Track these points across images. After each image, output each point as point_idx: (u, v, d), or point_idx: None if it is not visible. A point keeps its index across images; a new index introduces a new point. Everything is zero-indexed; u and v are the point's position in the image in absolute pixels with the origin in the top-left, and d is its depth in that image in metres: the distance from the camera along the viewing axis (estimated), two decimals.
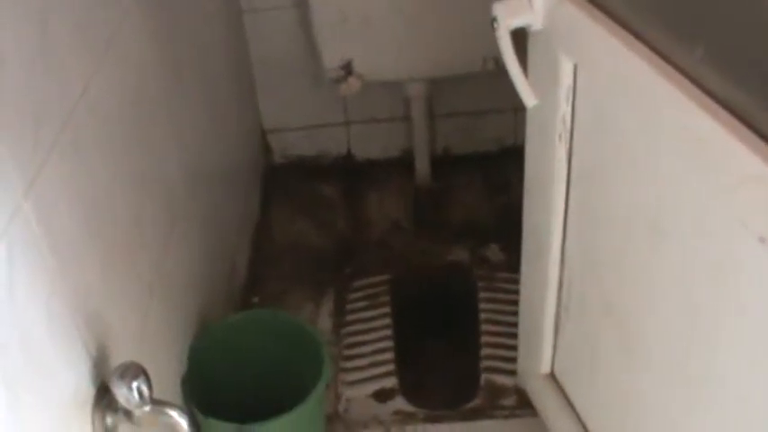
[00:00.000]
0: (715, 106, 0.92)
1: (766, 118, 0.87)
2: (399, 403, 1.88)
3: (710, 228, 0.99)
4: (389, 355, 1.98)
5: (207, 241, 1.75)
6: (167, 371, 1.42)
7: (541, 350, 1.59)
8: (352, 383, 1.92)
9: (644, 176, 1.12)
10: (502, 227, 2.24)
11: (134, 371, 1.02)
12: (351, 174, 2.51)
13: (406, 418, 1.85)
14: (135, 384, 1.01)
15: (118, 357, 1.11)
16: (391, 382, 1.92)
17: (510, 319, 1.89)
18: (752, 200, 0.89)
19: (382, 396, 1.90)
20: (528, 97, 1.21)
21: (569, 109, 1.23)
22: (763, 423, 1.00)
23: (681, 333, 1.13)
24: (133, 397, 1.02)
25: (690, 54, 0.97)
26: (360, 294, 2.13)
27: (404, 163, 2.47)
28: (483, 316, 2.04)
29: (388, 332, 2.03)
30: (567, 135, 1.25)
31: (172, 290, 1.48)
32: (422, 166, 2.40)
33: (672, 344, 1.17)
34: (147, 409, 1.04)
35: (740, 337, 1.00)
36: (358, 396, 1.90)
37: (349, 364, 1.96)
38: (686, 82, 0.97)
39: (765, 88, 0.88)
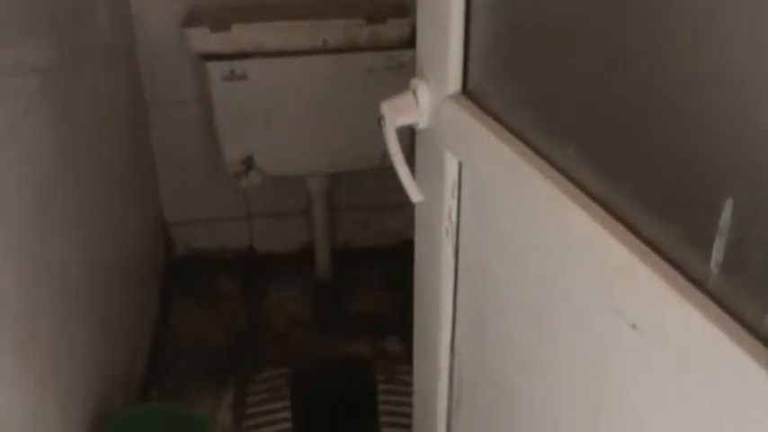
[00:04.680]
0: (587, 200, 0.98)
1: (631, 209, 0.93)
2: None
3: (589, 319, 1.04)
4: None
5: (104, 333, 1.73)
6: None
7: None
8: None
9: (526, 272, 1.16)
10: (401, 319, 2.27)
11: None
12: (252, 267, 2.52)
13: None
14: None
15: None
16: None
17: (410, 410, 1.90)
18: (623, 289, 0.94)
19: None
20: (414, 193, 1.25)
21: (455, 204, 1.26)
22: None
23: (567, 417, 1.17)
24: None
25: (563, 151, 1.03)
26: (260, 388, 2.13)
27: (305, 256, 2.49)
28: (382, 408, 2.05)
29: (288, 425, 2.02)
30: (454, 230, 1.28)
31: (66, 383, 1.46)
32: (321, 260, 2.43)
33: (559, 428, 1.20)
34: None
35: (618, 418, 1.04)
36: None
37: None
38: (561, 177, 1.02)
39: (628, 181, 0.94)
